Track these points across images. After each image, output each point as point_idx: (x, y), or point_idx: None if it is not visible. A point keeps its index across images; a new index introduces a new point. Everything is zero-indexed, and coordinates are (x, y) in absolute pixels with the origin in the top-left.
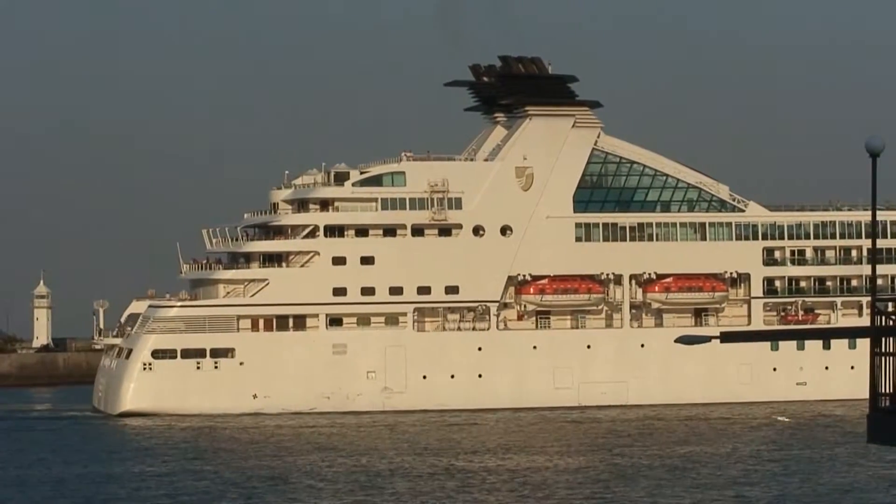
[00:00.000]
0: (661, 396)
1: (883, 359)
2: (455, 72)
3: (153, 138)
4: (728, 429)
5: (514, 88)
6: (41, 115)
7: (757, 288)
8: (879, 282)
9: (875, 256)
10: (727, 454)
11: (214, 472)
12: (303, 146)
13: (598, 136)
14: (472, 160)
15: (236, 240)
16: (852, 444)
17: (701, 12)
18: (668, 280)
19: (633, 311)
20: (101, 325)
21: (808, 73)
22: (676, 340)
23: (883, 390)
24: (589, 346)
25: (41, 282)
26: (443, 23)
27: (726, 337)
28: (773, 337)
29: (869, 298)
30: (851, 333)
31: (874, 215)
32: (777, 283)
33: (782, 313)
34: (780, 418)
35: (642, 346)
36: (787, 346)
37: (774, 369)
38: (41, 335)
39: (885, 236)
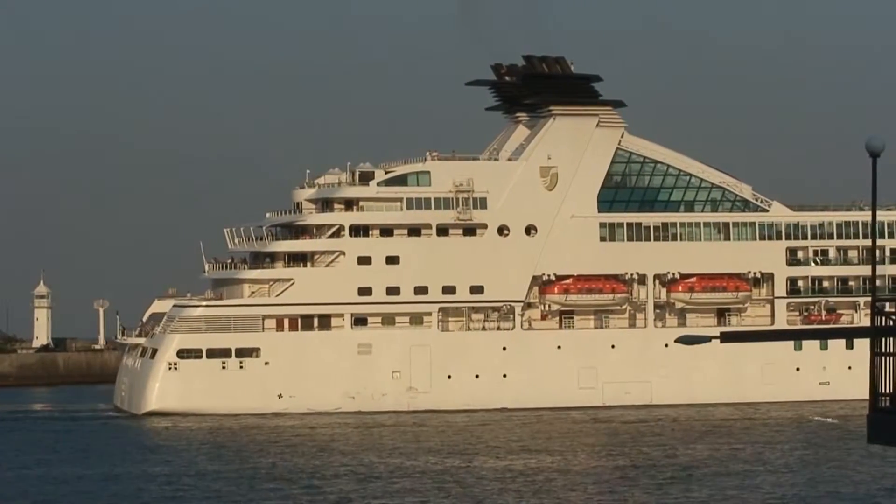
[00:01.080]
0: (685, 396)
1: (883, 359)
2: (475, 71)
3: (170, 138)
4: (747, 428)
5: (538, 88)
6: (43, 115)
7: (780, 288)
8: None
9: (875, 256)
10: (730, 455)
11: (231, 471)
12: (324, 145)
13: (622, 136)
14: (494, 160)
15: (261, 239)
16: (854, 444)
17: (724, 12)
18: (691, 280)
19: (657, 310)
20: (103, 325)
21: (829, 73)
22: (677, 340)
23: (883, 390)
24: (613, 346)
25: (41, 282)
26: (464, 22)
27: (726, 337)
28: (773, 337)
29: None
30: (850, 333)
31: (874, 216)
32: (800, 283)
33: (805, 313)
34: (818, 418)
35: (666, 345)
36: (811, 346)
37: (798, 369)
38: (41, 335)
39: None
